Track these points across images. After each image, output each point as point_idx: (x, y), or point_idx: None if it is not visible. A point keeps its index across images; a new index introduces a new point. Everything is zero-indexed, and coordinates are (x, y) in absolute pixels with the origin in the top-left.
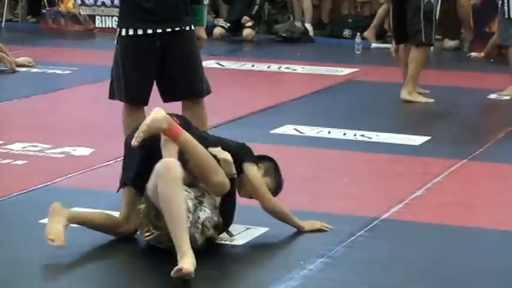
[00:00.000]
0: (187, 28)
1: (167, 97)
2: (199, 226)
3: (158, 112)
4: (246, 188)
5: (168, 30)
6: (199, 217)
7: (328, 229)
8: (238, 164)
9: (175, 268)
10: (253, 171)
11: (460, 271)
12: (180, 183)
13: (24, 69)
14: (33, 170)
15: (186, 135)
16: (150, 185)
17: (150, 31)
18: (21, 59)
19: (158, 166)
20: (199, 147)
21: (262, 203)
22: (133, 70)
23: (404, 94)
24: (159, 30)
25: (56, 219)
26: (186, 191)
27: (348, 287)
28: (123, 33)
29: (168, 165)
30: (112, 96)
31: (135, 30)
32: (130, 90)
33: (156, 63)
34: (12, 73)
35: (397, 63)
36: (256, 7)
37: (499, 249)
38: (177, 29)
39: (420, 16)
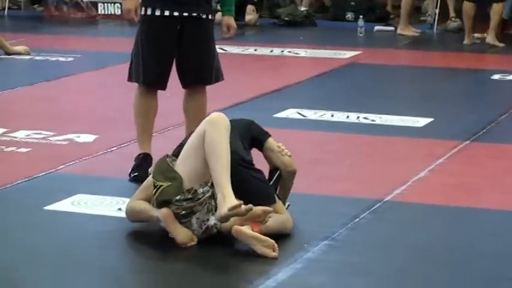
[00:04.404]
0: (205, 16)
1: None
2: (203, 226)
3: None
4: (271, 160)
5: (185, 14)
6: (208, 219)
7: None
8: (261, 141)
9: (231, 206)
10: (273, 144)
11: (464, 252)
12: (228, 133)
13: (23, 57)
14: (37, 158)
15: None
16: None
17: (176, 13)
18: (17, 47)
19: (211, 115)
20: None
21: (291, 167)
22: (153, 51)
23: (490, 39)
24: (186, 14)
25: (174, 220)
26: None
27: (351, 269)
28: (149, 12)
29: (221, 116)
30: (130, 78)
31: (162, 12)
32: (148, 73)
33: (175, 47)
34: (15, 61)
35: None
36: None
37: (503, 230)
38: (195, 14)
39: None
